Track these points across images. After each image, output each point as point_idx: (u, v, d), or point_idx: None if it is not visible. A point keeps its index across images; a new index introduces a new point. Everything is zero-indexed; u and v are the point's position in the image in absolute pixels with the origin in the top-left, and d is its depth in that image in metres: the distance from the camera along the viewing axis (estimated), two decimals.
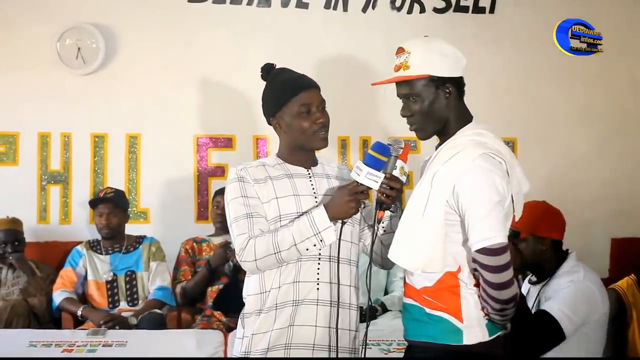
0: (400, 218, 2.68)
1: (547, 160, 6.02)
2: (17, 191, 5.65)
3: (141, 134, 5.79)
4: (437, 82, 2.66)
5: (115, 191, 5.38)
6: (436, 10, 5.97)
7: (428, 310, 2.66)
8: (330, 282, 2.86)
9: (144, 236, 5.41)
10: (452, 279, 2.63)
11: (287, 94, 2.90)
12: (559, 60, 5.78)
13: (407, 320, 2.79)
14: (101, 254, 5.26)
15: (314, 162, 3.01)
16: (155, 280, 5.23)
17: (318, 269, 2.85)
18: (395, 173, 2.70)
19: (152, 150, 5.79)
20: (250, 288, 2.91)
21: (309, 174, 2.96)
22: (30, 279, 5.13)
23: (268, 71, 3.03)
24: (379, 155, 2.72)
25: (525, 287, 3.92)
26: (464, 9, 6.00)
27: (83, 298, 5.17)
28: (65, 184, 5.72)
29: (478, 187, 2.53)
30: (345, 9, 5.91)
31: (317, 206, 2.80)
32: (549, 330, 3.52)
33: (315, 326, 2.84)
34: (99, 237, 5.34)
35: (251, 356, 2.84)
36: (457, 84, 2.70)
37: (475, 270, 2.60)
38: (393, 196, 2.71)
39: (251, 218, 2.83)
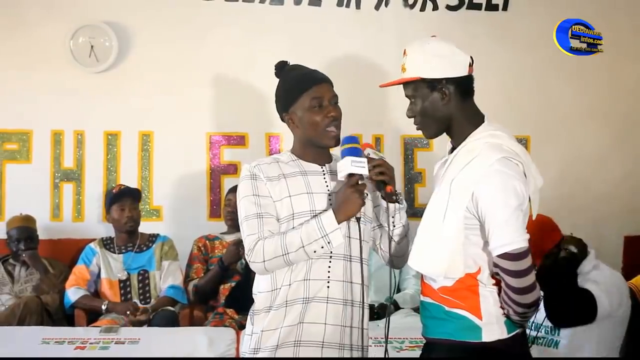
0: (420, 218, 2.69)
1: (560, 157, 6.00)
2: (30, 189, 5.67)
3: (154, 131, 5.80)
4: (430, 84, 2.66)
5: (131, 187, 5.42)
6: (449, 8, 5.95)
7: (447, 308, 2.66)
8: (343, 281, 2.86)
9: (157, 235, 5.42)
10: (471, 280, 2.62)
11: (300, 88, 2.91)
12: (571, 58, 5.74)
13: (425, 318, 2.79)
14: (114, 252, 5.27)
15: (329, 159, 3.00)
16: (167, 279, 5.23)
17: (329, 267, 2.84)
18: (372, 155, 2.81)
19: (164, 148, 5.80)
20: (261, 285, 2.91)
21: (323, 171, 2.95)
22: (43, 277, 5.15)
23: (281, 68, 3.03)
24: (351, 144, 2.80)
25: None
26: (477, 7, 5.98)
27: (95, 296, 5.18)
28: (78, 181, 5.74)
29: (497, 192, 2.52)
30: (358, 6, 5.90)
31: (326, 210, 2.80)
32: (586, 307, 3.59)
33: (325, 324, 2.83)
34: (112, 235, 5.35)
35: (260, 352, 2.84)
36: (458, 83, 2.68)
37: (497, 274, 2.59)
38: (385, 171, 2.76)
39: (262, 218, 2.82)
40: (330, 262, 2.85)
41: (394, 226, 2.92)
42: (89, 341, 4.16)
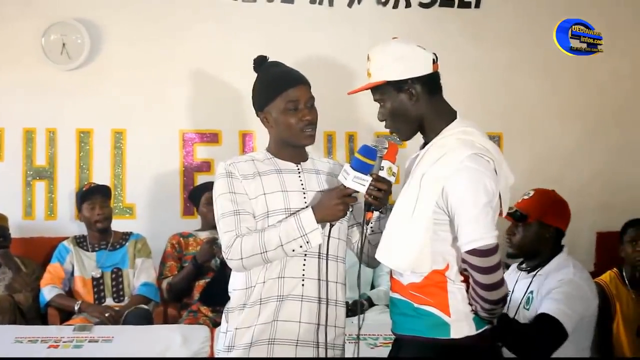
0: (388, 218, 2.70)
1: (531, 154, 6.04)
2: (2, 187, 5.64)
3: (126, 129, 5.78)
4: (396, 86, 2.67)
5: (101, 185, 5.40)
6: (422, 5, 5.98)
7: (415, 304, 2.66)
8: (318, 279, 2.86)
9: (131, 233, 5.41)
10: (440, 276, 2.63)
11: (275, 89, 2.89)
12: (543, 55, 5.80)
13: (394, 315, 2.80)
14: (87, 250, 5.25)
15: (304, 157, 2.99)
16: (140, 276, 5.22)
17: (304, 265, 2.84)
18: (383, 174, 2.71)
19: (137, 146, 5.78)
20: (236, 283, 2.91)
21: (298, 169, 2.95)
22: (16, 275, 5.12)
23: (260, 63, 3.01)
24: (365, 158, 2.71)
25: (513, 274, 3.92)
26: (450, 4, 6.01)
27: (69, 294, 5.16)
28: (50, 179, 5.71)
29: (467, 188, 2.53)
30: (330, 4, 5.91)
31: (305, 208, 2.80)
32: (552, 331, 3.52)
33: (300, 322, 2.83)
34: (85, 233, 5.32)
35: (234, 350, 2.84)
36: (424, 82, 2.68)
37: (465, 270, 2.61)
38: (381, 197, 2.71)
39: (238, 215, 2.82)
40: (305, 260, 2.84)
41: (372, 231, 2.93)
42: (62, 340, 4.13)
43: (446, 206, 2.56)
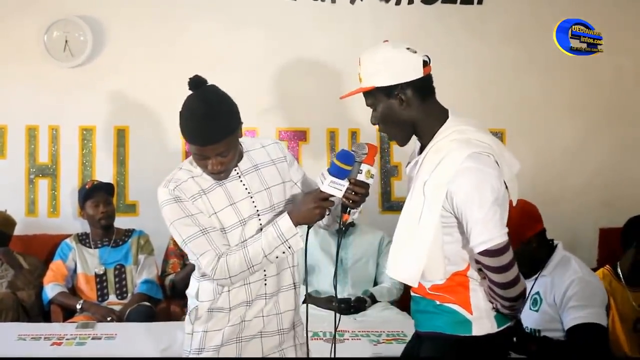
0: (396, 212, 2.74)
1: (535, 151, 6.03)
2: (5, 184, 5.64)
3: (129, 126, 5.78)
4: (386, 92, 2.66)
5: (104, 182, 5.40)
6: (424, 2, 5.95)
7: (438, 302, 2.68)
8: (276, 274, 2.95)
9: (133, 229, 5.41)
10: (461, 278, 2.65)
11: (186, 137, 2.85)
12: (546, 51, 5.79)
13: (415, 313, 2.82)
14: (90, 247, 5.25)
15: (239, 158, 2.96)
16: (142, 273, 5.24)
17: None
18: (361, 177, 2.74)
19: (140, 143, 5.78)
20: (202, 293, 2.95)
21: (238, 174, 2.93)
22: (18, 272, 5.12)
23: (195, 86, 2.95)
24: (342, 164, 2.73)
25: None
26: (452, 0, 5.99)
27: (72, 291, 5.16)
28: (53, 177, 5.72)
29: (471, 190, 2.51)
30: (333, 0, 5.90)
31: (281, 214, 2.83)
32: (592, 335, 3.52)
33: (263, 316, 2.93)
34: (87, 231, 5.33)
35: (204, 352, 2.90)
36: (415, 86, 2.65)
37: (480, 269, 2.62)
38: (358, 200, 2.75)
39: (208, 234, 2.82)
40: None
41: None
42: (65, 337, 4.14)
43: (452, 208, 2.55)
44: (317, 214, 2.77)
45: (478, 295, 2.64)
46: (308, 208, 2.76)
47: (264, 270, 2.89)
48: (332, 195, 2.74)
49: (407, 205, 2.66)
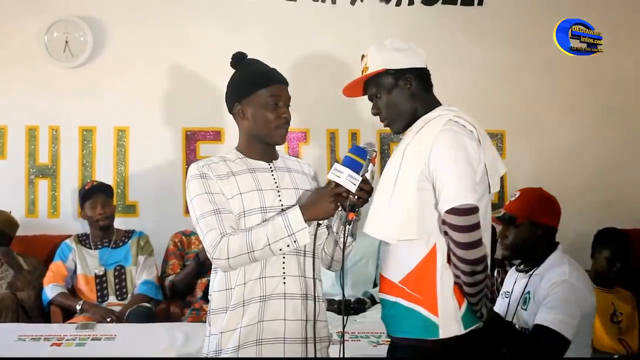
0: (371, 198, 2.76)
1: (535, 152, 6.04)
2: (5, 185, 5.64)
3: (129, 127, 5.78)
4: (395, 75, 2.78)
5: (103, 183, 5.39)
6: (425, 3, 5.97)
7: (405, 303, 2.69)
8: (299, 275, 2.88)
9: (133, 230, 5.41)
10: (428, 266, 2.66)
11: (259, 82, 2.91)
12: (546, 52, 5.79)
13: (385, 317, 2.84)
14: (90, 248, 5.25)
15: (275, 156, 3.01)
16: (141, 274, 5.23)
17: (283, 262, 2.85)
18: (368, 176, 2.76)
19: (140, 144, 5.79)
20: (215, 285, 2.91)
21: (271, 167, 2.96)
22: (18, 273, 5.12)
23: (239, 59, 3.04)
24: (357, 157, 2.74)
25: (512, 276, 3.91)
26: (453, 1, 6.00)
27: (72, 292, 5.16)
28: (53, 177, 5.72)
29: (445, 148, 2.60)
30: (333, 1, 5.91)
31: (292, 207, 2.80)
32: (551, 342, 3.48)
33: (285, 320, 2.84)
34: (87, 231, 5.33)
35: (222, 354, 2.83)
36: (419, 75, 2.80)
37: (445, 233, 2.63)
38: (364, 198, 2.75)
39: (219, 214, 2.80)
40: (284, 258, 2.85)
41: (344, 244, 2.91)
42: (65, 338, 4.14)
43: (428, 173, 2.62)
44: (332, 209, 2.75)
45: (444, 294, 2.65)
46: (325, 202, 2.74)
47: (283, 267, 2.85)
48: (347, 190, 2.73)
49: (388, 166, 2.74)
